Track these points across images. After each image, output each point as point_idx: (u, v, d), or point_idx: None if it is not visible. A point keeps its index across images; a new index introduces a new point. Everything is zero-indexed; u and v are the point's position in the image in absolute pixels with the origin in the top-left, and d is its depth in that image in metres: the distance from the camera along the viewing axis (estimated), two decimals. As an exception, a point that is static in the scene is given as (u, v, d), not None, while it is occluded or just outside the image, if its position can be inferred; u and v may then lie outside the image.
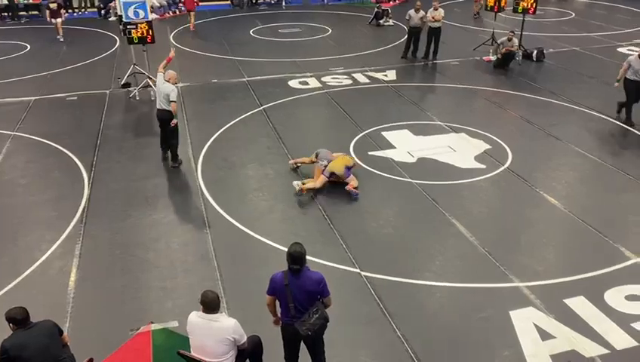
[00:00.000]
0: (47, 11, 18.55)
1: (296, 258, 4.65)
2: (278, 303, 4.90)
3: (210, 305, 4.60)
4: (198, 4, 20.72)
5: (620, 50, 16.66)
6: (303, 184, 8.53)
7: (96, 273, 6.94)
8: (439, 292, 6.56)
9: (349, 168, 8.73)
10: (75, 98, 13.01)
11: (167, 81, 9.13)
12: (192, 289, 6.41)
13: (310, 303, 4.72)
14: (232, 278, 6.77)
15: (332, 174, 8.62)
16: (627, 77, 10.99)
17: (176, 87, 9.33)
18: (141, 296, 6.54)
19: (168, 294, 6.53)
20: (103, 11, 21.99)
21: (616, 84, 11.27)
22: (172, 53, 10.37)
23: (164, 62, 9.83)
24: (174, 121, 9.21)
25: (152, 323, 5.99)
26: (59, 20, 18.26)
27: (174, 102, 9.01)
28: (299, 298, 4.70)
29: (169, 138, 9.52)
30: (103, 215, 8.18)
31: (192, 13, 19.99)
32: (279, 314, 4.96)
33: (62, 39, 18.15)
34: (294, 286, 4.68)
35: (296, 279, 4.69)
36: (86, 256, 7.25)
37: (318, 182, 8.62)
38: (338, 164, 8.66)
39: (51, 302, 6.38)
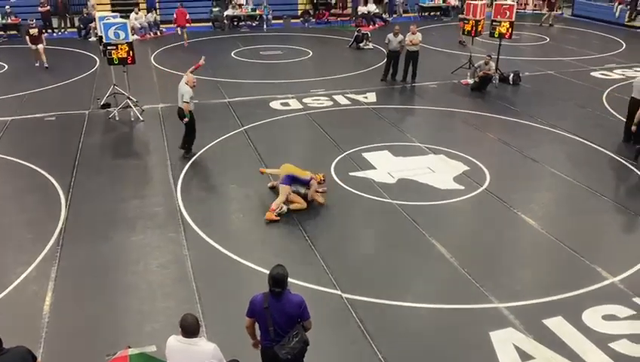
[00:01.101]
0: (27, 37, 17.16)
1: (278, 281, 4.62)
2: (257, 326, 4.85)
3: (189, 328, 4.52)
4: (189, 22, 21.10)
5: (593, 74, 17.12)
6: (283, 207, 8.56)
7: (72, 296, 6.81)
8: (420, 314, 6.57)
9: (289, 176, 8.72)
10: (54, 118, 12.88)
11: (186, 84, 10.10)
12: (171, 312, 6.32)
13: (290, 326, 4.68)
14: (212, 301, 6.69)
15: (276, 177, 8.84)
16: None
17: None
18: (118, 320, 6.42)
19: (146, 317, 6.43)
20: (83, 32, 21.95)
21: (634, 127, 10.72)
22: (202, 61, 11.14)
23: (193, 67, 10.72)
24: (185, 119, 10.24)
25: (130, 347, 5.86)
26: (40, 47, 17.08)
27: (186, 102, 10.06)
28: (279, 321, 4.66)
29: (186, 133, 10.58)
30: (80, 237, 8.05)
31: (183, 30, 20.73)
32: (259, 337, 4.91)
33: (46, 65, 16.97)
34: (275, 309, 4.64)
35: (276, 302, 4.65)
36: (62, 279, 7.11)
37: (281, 195, 8.65)
38: (283, 169, 8.83)
39: (25, 326, 6.22)
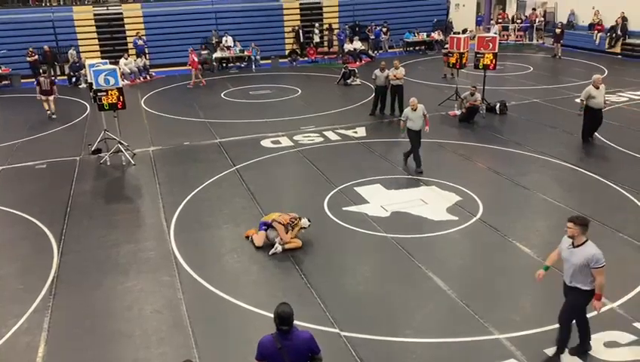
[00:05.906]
0: (37, 87, 16.61)
1: (283, 318, 4.59)
2: None
3: (186, 375, 4.44)
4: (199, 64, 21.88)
5: (577, 100, 17.37)
6: (282, 243, 8.52)
7: (65, 347, 6.67)
8: (420, 349, 6.47)
9: (261, 223, 8.78)
10: (45, 166, 12.87)
11: (413, 107, 11.74)
12: (167, 358, 6.21)
13: None
14: (209, 346, 6.57)
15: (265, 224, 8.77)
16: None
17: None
18: (113, 369, 6.28)
19: (142, 365, 6.29)
20: (73, 79, 22.15)
21: None
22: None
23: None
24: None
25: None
26: (51, 97, 16.71)
27: (426, 114, 11.95)
28: (293, 360, 4.61)
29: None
30: (73, 285, 7.94)
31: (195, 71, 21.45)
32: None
33: (54, 116, 16.80)
34: (288, 348, 4.60)
35: (287, 341, 4.61)
36: (55, 329, 6.97)
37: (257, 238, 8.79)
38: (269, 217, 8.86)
39: (17, 380, 6.07)
